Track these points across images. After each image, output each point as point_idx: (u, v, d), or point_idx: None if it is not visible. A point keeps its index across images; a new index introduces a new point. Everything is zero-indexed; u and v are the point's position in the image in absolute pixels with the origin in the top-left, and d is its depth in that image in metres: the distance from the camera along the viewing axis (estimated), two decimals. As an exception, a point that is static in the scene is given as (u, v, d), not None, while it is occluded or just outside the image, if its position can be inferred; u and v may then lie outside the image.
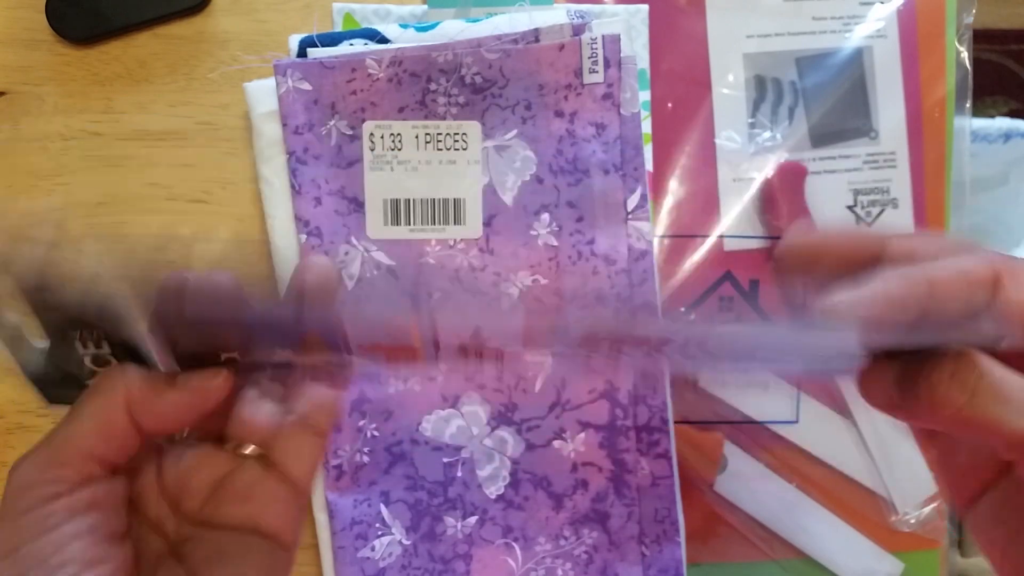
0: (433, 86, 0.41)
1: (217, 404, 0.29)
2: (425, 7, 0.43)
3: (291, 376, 0.31)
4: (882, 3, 0.44)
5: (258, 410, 0.30)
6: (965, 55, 0.43)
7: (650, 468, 0.40)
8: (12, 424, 0.44)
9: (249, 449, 0.30)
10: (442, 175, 0.41)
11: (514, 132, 0.41)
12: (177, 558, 0.29)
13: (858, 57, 0.43)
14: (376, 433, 0.41)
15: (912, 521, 0.43)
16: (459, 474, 0.41)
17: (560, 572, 0.41)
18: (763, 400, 0.43)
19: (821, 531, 0.43)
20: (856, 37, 0.43)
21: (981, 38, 0.44)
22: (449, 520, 0.41)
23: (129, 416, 0.28)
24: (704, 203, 0.43)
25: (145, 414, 0.28)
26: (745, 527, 0.43)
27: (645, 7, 0.43)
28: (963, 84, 0.43)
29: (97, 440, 0.28)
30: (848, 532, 0.43)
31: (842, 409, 0.43)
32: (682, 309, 0.43)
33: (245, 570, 0.28)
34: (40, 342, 0.29)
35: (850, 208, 0.43)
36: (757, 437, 0.43)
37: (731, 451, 0.43)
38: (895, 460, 0.43)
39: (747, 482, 0.43)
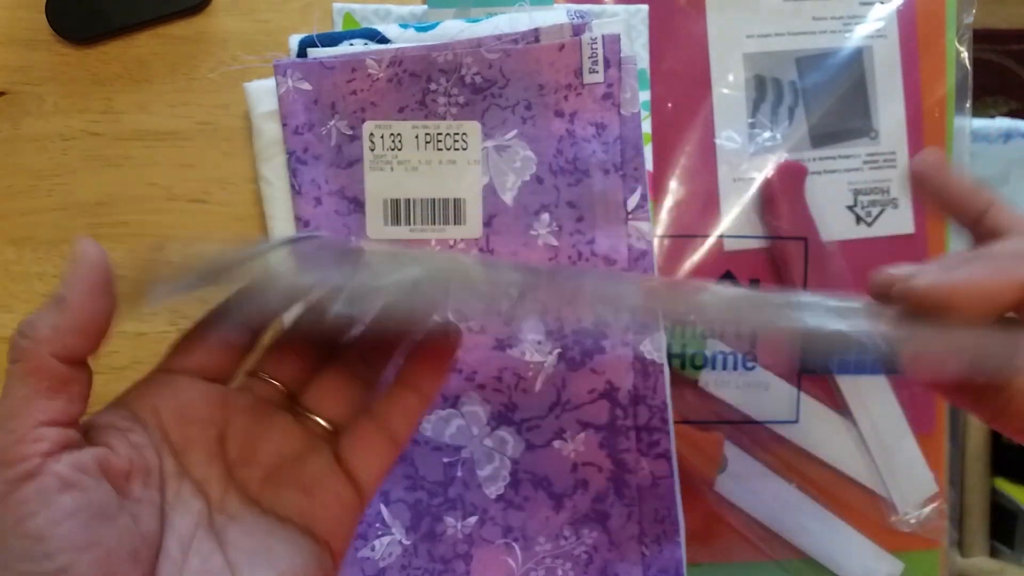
0: (433, 86, 0.41)
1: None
2: (425, 7, 0.43)
3: (382, 358, 0.30)
4: (882, 3, 0.44)
5: (338, 388, 0.30)
6: (965, 55, 0.43)
7: (650, 468, 0.40)
8: (12, 424, 0.44)
9: (319, 421, 0.29)
10: (442, 175, 0.41)
11: (514, 132, 0.41)
12: (217, 540, 0.26)
13: (858, 57, 0.43)
14: (376, 433, 0.41)
15: (912, 521, 0.43)
16: (459, 474, 0.41)
17: (560, 572, 0.41)
18: (763, 400, 0.43)
19: (821, 531, 0.43)
20: (856, 37, 0.43)
21: (981, 38, 0.44)
22: (449, 520, 0.41)
23: (58, 359, 0.24)
24: (704, 203, 0.43)
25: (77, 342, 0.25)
26: (745, 527, 0.43)
27: (645, 7, 0.43)
28: (963, 84, 0.43)
29: (38, 403, 0.24)
30: (848, 532, 0.43)
31: (842, 409, 0.43)
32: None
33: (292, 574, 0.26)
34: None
35: (850, 208, 0.43)
36: (757, 437, 0.43)
37: (731, 451, 0.43)
38: (895, 460, 0.43)
39: (747, 482, 0.43)
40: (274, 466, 0.28)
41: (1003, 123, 0.58)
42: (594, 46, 0.40)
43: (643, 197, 0.41)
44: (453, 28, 0.41)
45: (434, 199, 0.41)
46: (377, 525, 0.41)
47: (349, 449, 0.29)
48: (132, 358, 0.44)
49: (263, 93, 0.41)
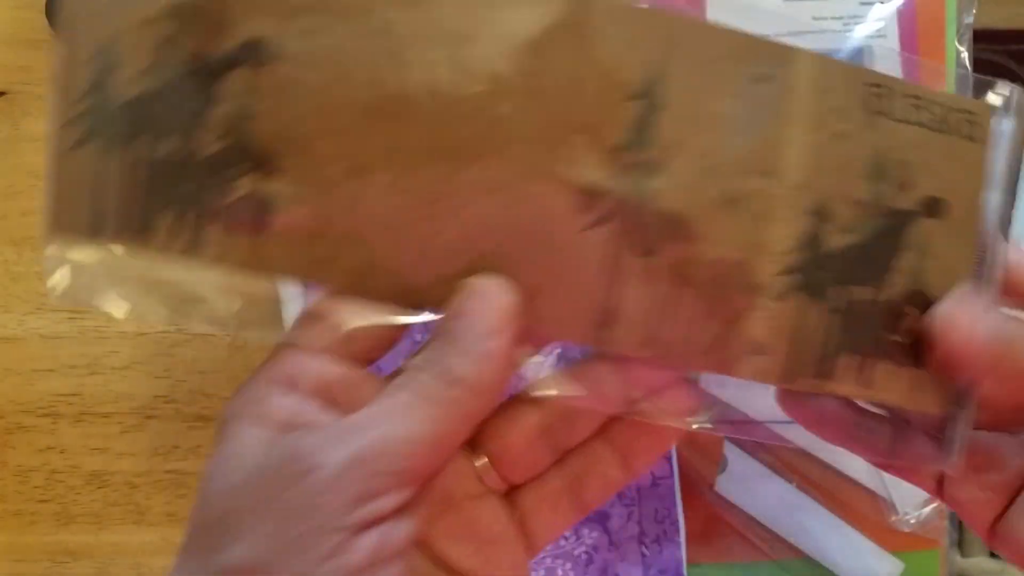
0: (433, 86, 0.40)
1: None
2: (425, 7, 0.43)
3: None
4: (882, 3, 0.44)
5: (530, 443, 0.25)
6: (965, 55, 0.43)
7: (650, 468, 0.40)
8: (12, 424, 0.44)
9: (494, 477, 0.25)
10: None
11: (514, 132, 0.41)
12: None
13: (858, 57, 0.43)
14: (376, 433, 0.41)
15: (912, 521, 0.43)
16: (459, 474, 0.41)
17: (560, 572, 0.41)
18: (763, 400, 0.43)
19: (821, 531, 0.43)
20: (856, 37, 0.43)
21: (981, 38, 0.44)
22: (449, 520, 0.41)
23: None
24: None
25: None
26: (745, 527, 0.43)
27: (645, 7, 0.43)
28: (963, 84, 0.43)
29: (433, 451, 0.20)
30: (848, 532, 0.43)
31: (842, 409, 0.43)
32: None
33: None
34: None
35: (850, 208, 0.43)
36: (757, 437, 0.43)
37: (731, 451, 0.43)
38: (895, 460, 0.43)
39: (747, 482, 0.43)
40: (445, 509, 0.24)
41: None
42: (594, 46, 0.40)
43: (643, 197, 0.40)
44: (453, 28, 0.41)
45: (434, 199, 0.41)
46: (377, 525, 0.41)
47: (531, 505, 0.26)
48: (131, 358, 0.44)
49: (263, 93, 0.41)
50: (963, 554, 0.45)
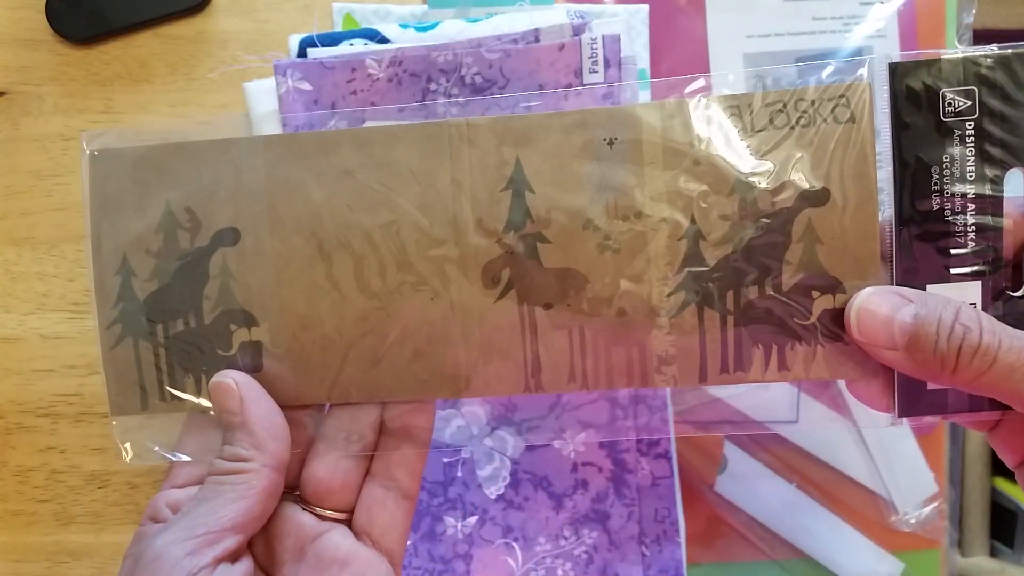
0: (433, 86, 0.40)
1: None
2: (425, 7, 0.43)
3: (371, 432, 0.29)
4: (882, 3, 0.44)
5: (335, 469, 0.29)
6: (965, 55, 0.43)
7: (650, 468, 0.40)
8: (12, 424, 0.44)
9: (328, 512, 0.29)
10: (442, 175, 0.41)
11: (514, 132, 0.41)
12: None
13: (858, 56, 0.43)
14: (376, 433, 0.41)
15: (912, 521, 0.43)
16: (459, 474, 0.41)
17: (560, 572, 0.41)
18: (763, 400, 0.43)
19: (821, 531, 0.43)
20: (856, 37, 0.43)
21: (981, 38, 0.44)
22: (449, 520, 0.41)
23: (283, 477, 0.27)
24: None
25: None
26: (745, 527, 0.43)
27: (645, 7, 0.43)
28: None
29: (248, 516, 0.26)
30: (848, 532, 0.43)
31: (842, 409, 0.43)
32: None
33: None
34: None
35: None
36: (757, 437, 0.43)
37: (731, 451, 0.43)
38: (895, 460, 0.43)
39: (747, 482, 0.43)
40: (297, 554, 0.28)
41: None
42: (594, 46, 0.40)
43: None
44: (453, 28, 0.41)
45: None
46: (377, 525, 0.41)
47: (365, 519, 0.29)
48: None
49: (263, 93, 0.41)
50: (963, 554, 0.45)
